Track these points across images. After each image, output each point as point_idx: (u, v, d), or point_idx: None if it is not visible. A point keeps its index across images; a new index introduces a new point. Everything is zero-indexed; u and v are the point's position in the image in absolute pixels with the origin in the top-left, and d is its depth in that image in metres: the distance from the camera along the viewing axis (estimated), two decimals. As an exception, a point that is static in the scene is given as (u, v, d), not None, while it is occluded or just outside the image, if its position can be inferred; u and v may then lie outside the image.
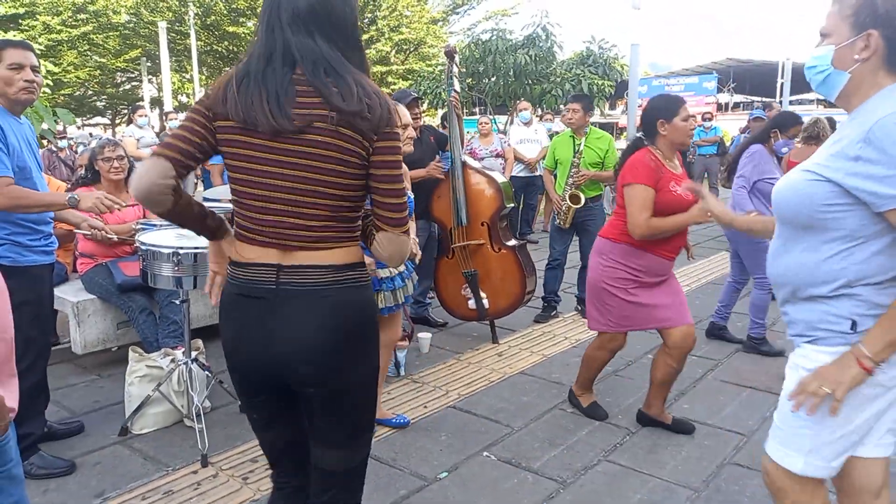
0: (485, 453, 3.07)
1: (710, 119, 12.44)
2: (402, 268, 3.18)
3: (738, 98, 38.01)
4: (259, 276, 1.52)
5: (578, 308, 5.32)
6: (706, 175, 11.73)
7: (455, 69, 4.60)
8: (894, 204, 1.43)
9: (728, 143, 12.35)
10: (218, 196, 3.83)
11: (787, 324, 1.70)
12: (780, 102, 20.86)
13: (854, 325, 1.53)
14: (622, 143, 9.41)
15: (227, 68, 21.41)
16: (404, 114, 3.06)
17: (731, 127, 18.95)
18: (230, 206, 1.64)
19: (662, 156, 3.03)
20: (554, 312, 5.24)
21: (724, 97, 33.83)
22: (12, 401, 1.57)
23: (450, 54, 4.59)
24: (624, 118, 21.72)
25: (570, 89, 11.78)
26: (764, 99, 27.27)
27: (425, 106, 14.18)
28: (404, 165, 1.72)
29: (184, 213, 1.56)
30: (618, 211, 3.14)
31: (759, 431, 3.26)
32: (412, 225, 3.41)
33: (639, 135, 3.20)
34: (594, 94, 12.31)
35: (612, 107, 31.36)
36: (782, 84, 23.96)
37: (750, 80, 34.97)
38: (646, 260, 3.05)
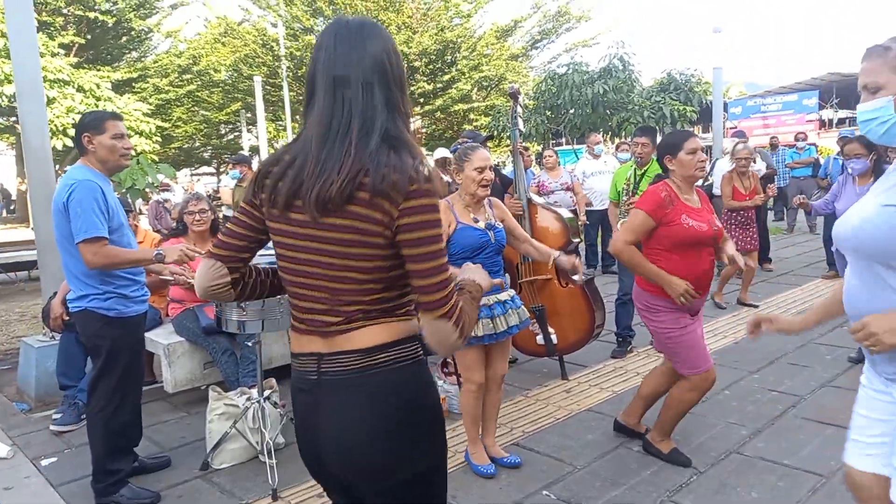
0: (544, 492, 3.06)
1: (804, 139, 11.85)
2: (503, 296, 3.21)
3: (844, 114, 35.80)
4: (304, 366, 1.44)
5: (653, 342, 5.19)
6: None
7: (519, 109, 4.68)
8: None
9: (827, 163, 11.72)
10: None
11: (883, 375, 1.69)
12: None
13: None
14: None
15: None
16: (482, 157, 3.14)
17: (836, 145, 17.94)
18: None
19: (678, 189, 3.08)
20: (629, 347, 5.14)
21: (827, 114, 32.02)
22: None
23: (514, 95, 4.69)
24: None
25: (649, 117, 11.61)
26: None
27: (506, 141, 14.33)
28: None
29: (256, 293, 1.57)
30: (645, 250, 3.13)
31: (841, 472, 3.06)
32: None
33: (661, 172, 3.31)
34: (676, 120, 12.07)
35: (706, 130, 30.46)
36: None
37: (855, 94, 32.84)
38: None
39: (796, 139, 11.73)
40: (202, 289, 1.51)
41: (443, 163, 5.96)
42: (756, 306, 6.34)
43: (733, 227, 6.50)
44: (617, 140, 12.05)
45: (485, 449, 3.35)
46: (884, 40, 1.67)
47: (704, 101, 12.93)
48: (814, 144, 13.32)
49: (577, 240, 4.68)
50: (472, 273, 1.61)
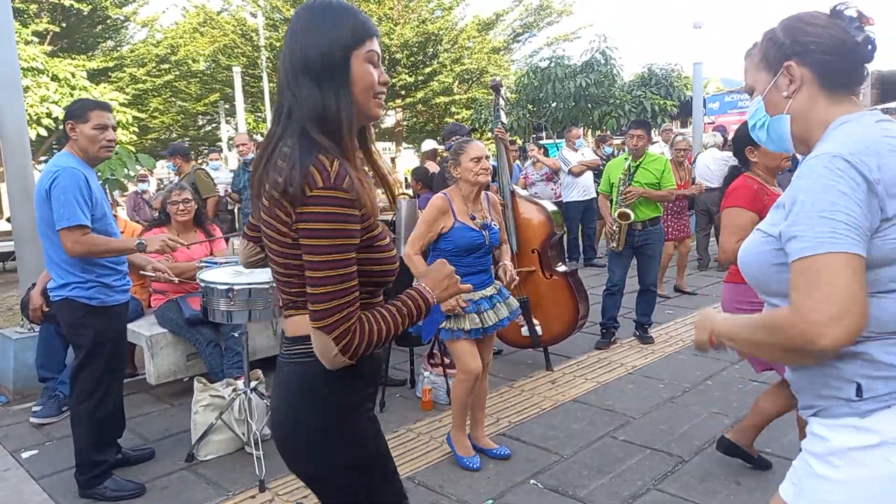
0: (532, 481, 3.08)
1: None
2: (489, 290, 3.21)
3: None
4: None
5: (637, 333, 5.24)
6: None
7: (501, 101, 4.70)
8: (796, 255, 1.18)
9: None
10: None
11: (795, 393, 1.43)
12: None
13: (859, 389, 1.24)
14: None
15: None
16: (478, 147, 3.16)
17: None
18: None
19: (764, 181, 2.93)
20: (613, 338, 5.19)
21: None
22: None
23: (496, 88, 4.70)
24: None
25: (630, 110, 11.70)
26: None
27: (488, 134, 14.35)
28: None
29: None
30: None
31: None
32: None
33: (734, 163, 3.15)
34: (657, 114, 12.17)
35: (684, 125, 30.74)
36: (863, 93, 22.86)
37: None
38: None
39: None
40: (245, 262, 1.75)
41: (433, 154, 5.95)
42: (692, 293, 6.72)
43: (667, 215, 6.60)
44: (598, 132, 12.13)
45: (475, 440, 3.36)
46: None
47: (684, 97, 13.05)
48: (790, 140, 13.51)
49: (561, 231, 4.71)
50: (433, 277, 1.51)
